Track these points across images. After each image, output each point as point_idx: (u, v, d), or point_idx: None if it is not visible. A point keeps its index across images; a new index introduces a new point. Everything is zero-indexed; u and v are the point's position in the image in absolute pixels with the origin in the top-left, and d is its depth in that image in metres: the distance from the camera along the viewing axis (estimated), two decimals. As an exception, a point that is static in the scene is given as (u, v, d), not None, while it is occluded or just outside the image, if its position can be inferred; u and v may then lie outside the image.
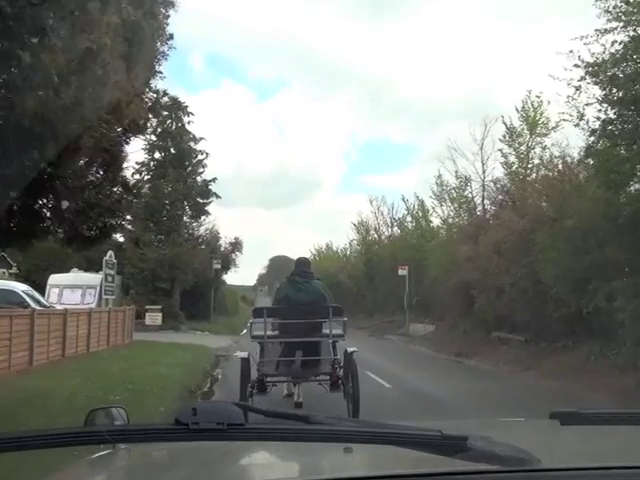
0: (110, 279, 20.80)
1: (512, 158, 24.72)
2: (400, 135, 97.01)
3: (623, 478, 1.32)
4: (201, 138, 33.47)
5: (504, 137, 24.99)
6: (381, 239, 45.67)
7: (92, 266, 36.34)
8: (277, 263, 76.92)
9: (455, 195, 32.65)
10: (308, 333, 8.95)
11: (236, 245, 38.30)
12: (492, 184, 24.92)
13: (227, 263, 38.46)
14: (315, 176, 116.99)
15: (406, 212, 36.15)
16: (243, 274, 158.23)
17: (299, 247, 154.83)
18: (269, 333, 9.04)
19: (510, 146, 24.90)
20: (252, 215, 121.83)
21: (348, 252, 60.13)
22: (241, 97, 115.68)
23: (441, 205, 34.41)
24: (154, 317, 30.49)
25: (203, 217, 33.47)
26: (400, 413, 9.81)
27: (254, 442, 1.54)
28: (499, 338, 21.92)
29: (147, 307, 30.44)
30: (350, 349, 9.10)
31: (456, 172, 29.93)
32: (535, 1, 61.33)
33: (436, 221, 35.23)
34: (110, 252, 21.78)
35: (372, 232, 47.67)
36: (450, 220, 33.85)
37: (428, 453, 1.23)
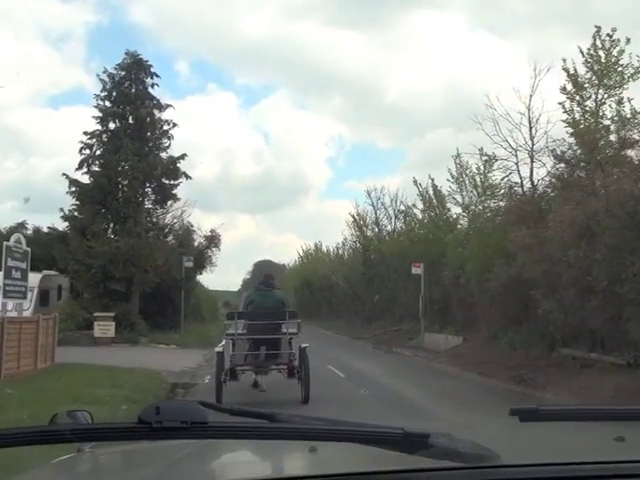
0: (18, 275, 14.21)
1: (577, 115, 18.50)
2: (386, 141, 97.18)
3: (580, 473, 1.34)
4: (168, 105, 27.00)
5: (564, 89, 18.74)
6: (382, 234, 39.29)
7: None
8: (261, 267, 71.55)
9: (482, 174, 26.55)
10: (270, 332, 11.44)
11: (212, 240, 31.75)
12: (548, 151, 18.59)
13: (201, 261, 31.92)
14: (301, 182, 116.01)
15: (419, 198, 29.73)
16: (228, 279, 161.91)
17: (284, 252, 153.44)
18: (239, 331, 11.70)
19: (572, 100, 18.67)
20: (238, 220, 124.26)
21: (341, 251, 53.95)
22: (227, 103, 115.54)
23: (461, 190, 28.26)
24: (105, 327, 23.94)
25: (170, 202, 26.91)
26: None
27: (219, 440, 1.52)
28: (574, 358, 15.64)
29: (96, 314, 23.90)
30: (303, 345, 11.72)
31: (482, 153, 23.81)
32: (520, 11, 59.46)
33: (454, 209, 28.94)
34: (17, 236, 15.17)
35: (372, 226, 41.33)
36: (473, 207, 27.68)
37: (391, 450, 1.26)
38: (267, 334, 11.36)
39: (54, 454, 1.65)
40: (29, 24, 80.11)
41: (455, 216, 28.80)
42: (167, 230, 27.49)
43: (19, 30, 77.01)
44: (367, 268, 40.78)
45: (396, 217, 37.66)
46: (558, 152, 18.02)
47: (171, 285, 28.05)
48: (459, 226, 29.02)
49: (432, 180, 28.64)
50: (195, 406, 1.23)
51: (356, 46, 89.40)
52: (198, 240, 31.98)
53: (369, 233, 40.65)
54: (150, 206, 26.80)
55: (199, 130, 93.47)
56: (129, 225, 23.90)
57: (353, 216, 41.03)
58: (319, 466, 1.55)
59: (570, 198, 14.20)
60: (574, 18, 52.66)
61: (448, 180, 28.29)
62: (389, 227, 38.99)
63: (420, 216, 31.32)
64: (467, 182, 27.81)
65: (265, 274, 12.62)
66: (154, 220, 26.83)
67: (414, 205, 33.06)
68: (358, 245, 45.03)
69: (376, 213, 40.89)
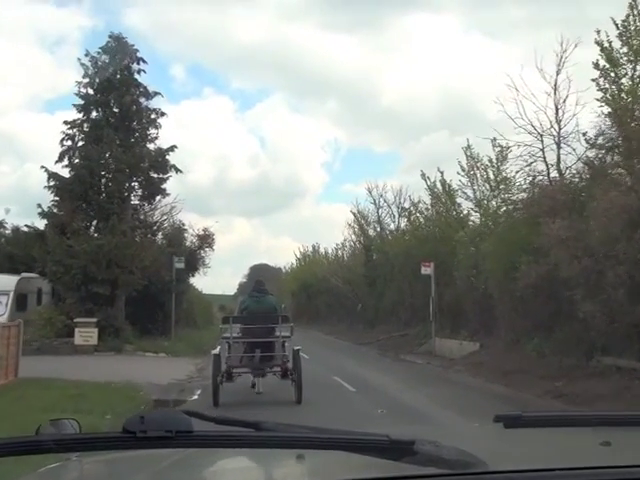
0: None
1: (611, 94, 16.47)
2: (382, 144, 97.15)
3: (567, 479, 1.35)
4: (156, 93, 24.85)
5: (597, 65, 16.72)
6: (385, 233, 37.20)
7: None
8: (257, 271, 72.94)
9: (494, 166, 24.60)
10: (264, 335, 11.96)
11: (205, 239, 29.62)
12: (579, 135, 16.55)
13: (194, 262, 29.79)
14: (297, 185, 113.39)
15: (427, 193, 27.61)
16: (224, 283, 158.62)
17: (281, 255, 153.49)
18: (234, 335, 12.01)
19: (606, 77, 16.65)
20: (234, 224, 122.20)
21: (340, 252, 51.88)
22: (223, 107, 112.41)
23: (472, 184, 26.23)
24: (87, 335, 21.80)
25: (159, 198, 24.77)
26: None
27: (204, 450, 1.52)
28: (618, 368, 13.57)
29: (76, 320, 21.75)
30: (296, 347, 12.30)
31: (496, 144, 21.80)
32: (514, 14, 59.79)
33: (465, 205, 26.87)
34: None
35: (374, 225, 39.23)
36: (486, 201, 25.64)
37: (377, 458, 1.26)
38: (261, 337, 11.98)
39: (40, 464, 1.67)
40: (23, 28, 78.29)
41: (466, 212, 26.75)
42: (155, 228, 25.34)
43: (13, 34, 75.12)
44: (369, 269, 38.73)
45: (400, 215, 35.58)
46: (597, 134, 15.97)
47: (161, 288, 25.91)
48: (470, 223, 26.98)
49: (441, 173, 26.58)
50: (180, 415, 1.24)
51: (351, 49, 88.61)
52: (190, 239, 29.90)
53: (371, 232, 38.52)
54: (137, 202, 24.67)
55: (195, 134, 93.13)
56: (113, 222, 21.75)
57: (354, 214, 38.94)
58: (306, 474, 1.57)
59: (619, 182, 12.11)
60: (570, 21, 51.30)
61: (458, 173, 26.33)
62: (392, 226, 36.94)
63: (428, 212, 29.19)
64: (479, 175, 25.83)
65: (256, 280, 13.81)
66: (141, 217, 24.69)
67: (420, 201, 31.07)
68: (359, 245, 42.97)
69: (378, 211, 38.87)
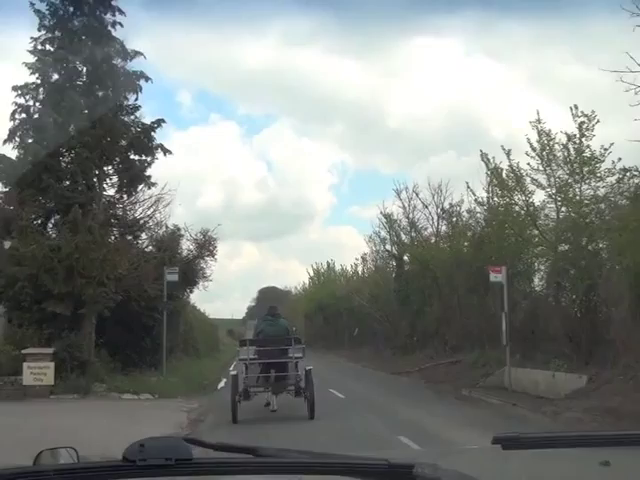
0: None
1: None
2: (388, 166, 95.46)
3: None
4: (136, 53, 18.90)
5: None
6: (421, 238, 31.05)
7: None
8: (266, 294, 74.26)
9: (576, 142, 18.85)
10: (278, 356, 12.76)
11: (205, 245, 23.60)
12: None
13: (191, 274, 23.77)
14: (304, 208, 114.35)
15: (488, 177, 21.47)
16: (233, 307, 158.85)
17: (289, 278, 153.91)
18: (251, 356, 12.85)
19: None
20: (242, 248, 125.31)
21: (361, 268, 45.81)
22: (230, 132, 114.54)
23: (546, 167, 20.22)
24: (39, 371, 15.77)
25: (141, 187, 18.74)
26: None
27: (203, 477, 1.44)
28: None
29: (25, 352, 15.75)
30: (308, 367, 12.87)
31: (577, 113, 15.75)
32: (517, 36, 58.99)
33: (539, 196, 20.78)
34: None
35: (404, 231, 33.09)
36: (570, 188, 19.60)
37: None
38: (276, 358, 12.69)
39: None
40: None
41: (538, 203, 20.65)
42: (137, 228, 19.23)
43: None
44: (401, 283, 32.58)
45: (441, 217, 29.44)
46: None
47: (146, 306, 19.92)
48: (542, 217, 20.85)
49: (507, 153, 20.49)
50: (179, 442, 1.25)
51: (357, 73, 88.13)
52: (186, 246, 23.90)
53: (403, 238, 32.42)
54: (112, 193, 18.69)
55: (202, 159, 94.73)
56: (74, 215, 15.75)
57: (385, 216, 32.77)
58: None
59: None
60: (572, 41, 51.74)
61: (527, 154, 20.32)
62: (430, 230, 30.80)
63: (484, 208, 23.06)
64: (558, 154, 19.86)
65: (270, 306, 14.42)
66: (119, 213, 18.69)
67: (462, 201, 24.99)
68: (386, 256, 36.88)
69: (408, 216, 32.71)
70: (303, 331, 43.22)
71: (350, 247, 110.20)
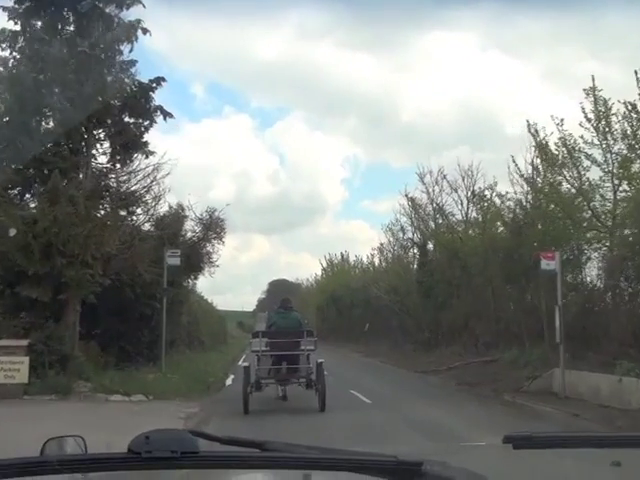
0: None
1: None
2: (401, 160, 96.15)
3: None
4: (134, 0, 16.33)
5: None
6: (447, 223, 28.36)
7: None
8: (277, 287, 74.42)
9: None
10: (290, 348, 12.78)
11: (211, 227, 21.07)
12: None
13: (196, 259, 21.27)
14: (316, 202, 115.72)
15: (537, 152, 18.76)
16: (243, 300, 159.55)
17: (300, 271, 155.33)
18: (263, 348, 12.90)
19: None
20: (253, 241, 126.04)
21: (377, 259, 43.28)
22: (243, 125, 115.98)
23: (602, 141, 17.60)
24: (11, 367, 13.30)
25: (137, 155, 16.15)
26: None
27: (209, 470, 1.45)
28: None
29: (-6, 343, 13.29)
30: (319, 360, 12.91)
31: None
32: (532, 31, 58.89)
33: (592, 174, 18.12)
34: None
35: (429, 217, 30.42)
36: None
37: (384, 479, 1.24)
38: (287, 351, 12.75)
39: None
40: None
41: (594, 181, 17.95)
42: (131, 201, 16.59)
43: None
44: (424, 274, 29.94)
45: (472, 201, 26.77)
46: None
47: (142, 293, 17.43)
48: (597, 197, 18.17)
49: (559, 123, 17.78)
50: (185, 435, 1.23)
51: (371, 67, 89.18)
52: (191, 228, 21.36)
53: (431, 224, 29.73)
54: (104, 163, 16.15)
55: (215, 152, 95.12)
56: (54, 182, 13.22)
57: (410, 200, 30.08)
58: None
59: None
60: (588, 37, 50.63)
61: (581, 125, 17.67)
62: (458, 216, 28.13)
63: (528, 188, 20.33)
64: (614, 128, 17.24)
65: (283, 299, 14.42)
66: (112, 184, 16.13)
67: (496, 182, 22.25)
68: (407, 244, 34.30)
69: (433, 202, 30.00)
70: (314, 324, 41.01)
71: (361, 241, 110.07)
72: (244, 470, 1.41)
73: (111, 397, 13.81)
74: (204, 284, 29.35)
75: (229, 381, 20.74)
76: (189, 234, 21.80)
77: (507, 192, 21.23)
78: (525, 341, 20.22)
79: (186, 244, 20.23)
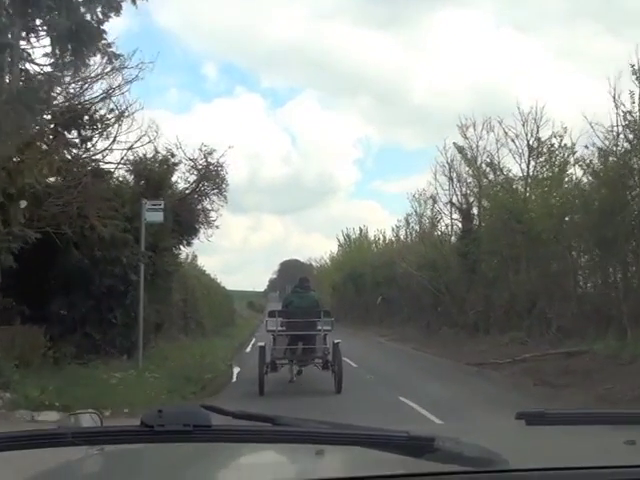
0: None
1: None
2: (413, 141, 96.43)
3: (591, 478, 1.32)
4: None
5: None
6: (504, 184, 23.02)
7: None
8: (288, 267, 74.62)
9: None
10: (306, 329, 12.61)
11: (208, 175, 15.89)
12: None
13: (190, 217, 16.12)
14: (329, 182, 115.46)
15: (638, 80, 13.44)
16: (255, 280, 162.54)
17: (312, 252, 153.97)
18: (279, 328, 12.72)
19: None
20: (265, 221, 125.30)
21: (404, 231, 38.14)
22: (254, 105, 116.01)
23: None
24: None
25: (93, 52, 10.88)
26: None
27: (222, 444, 1.45)
28: None
29: None
30: (336, 340, 12.58)
31: None
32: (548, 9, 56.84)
33: None
34: None
35: (474, 175, 25.16)
36: None
37: (396, 454, 1.24)
38: (304, 331, 12.60)
39: (61, 456, 1.62)
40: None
41: None
42: (82, 118, 11.23)
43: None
44: (467, 244, 24.72)
45: (534, 152, 21.43)
46: None
47: (107, 259, 12.38)
48: None
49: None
50: (198, 409, 1.24)
51: (383, 47, 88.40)
52: (183, 176, 16.20)
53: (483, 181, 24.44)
54: (43, 62, 10.91)
55: (226, 132, 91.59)
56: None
57: (459, 149, 24.75)
58: (323, 470, 1.53)
59: None
60: (604, 14, 47.97)
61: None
62: (515, 171, 22.78)
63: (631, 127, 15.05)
64: None
65: (301, 278, 14.19)
66: (54, 94, 10.86)
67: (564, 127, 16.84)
68: (445, 211, 29.03)
69: (476, 161, 24.72)
70: (329, 304, 36.41)
71: (373, 221, 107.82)
72: (256, 444, 1.43)
73: (39, 415, 8.77)
74: (214, 264, 24.64)
75: (234, 377, 15.99)
76: (181, 185, 16.73)
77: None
78: (627, 329, 15.12)
79: (174, 196, 15.14)
